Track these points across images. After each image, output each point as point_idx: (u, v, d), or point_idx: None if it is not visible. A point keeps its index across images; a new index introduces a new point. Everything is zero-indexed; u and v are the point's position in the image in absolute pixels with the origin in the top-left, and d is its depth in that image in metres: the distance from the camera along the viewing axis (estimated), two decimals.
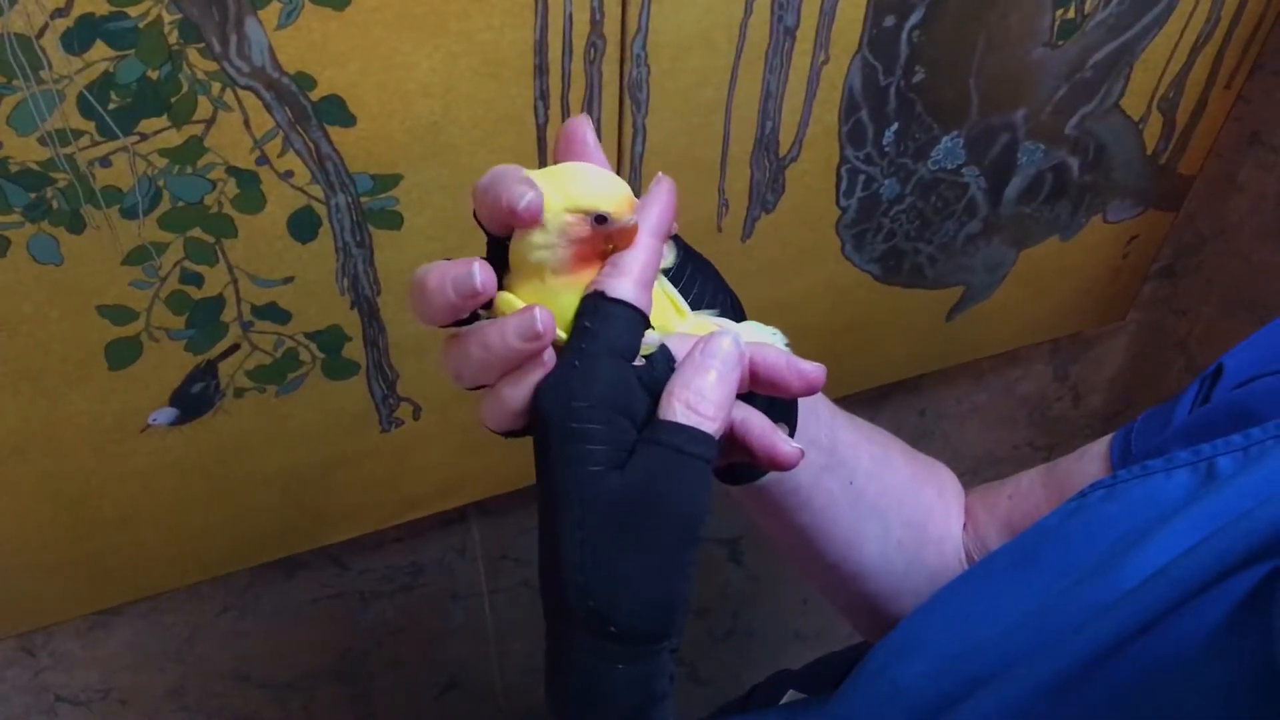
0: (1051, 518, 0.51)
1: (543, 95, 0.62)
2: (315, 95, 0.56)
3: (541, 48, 0.60)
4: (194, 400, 0.67)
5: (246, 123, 0.56)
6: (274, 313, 0.65)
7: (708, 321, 0.44)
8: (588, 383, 0.38)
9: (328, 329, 0.67)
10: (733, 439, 0.43)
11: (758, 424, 0.43)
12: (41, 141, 0.52)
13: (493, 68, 0.59)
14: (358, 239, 0.64)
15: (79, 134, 0.53)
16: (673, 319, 0.43)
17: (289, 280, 0.64)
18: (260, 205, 0.60)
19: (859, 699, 0.52)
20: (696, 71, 0.65)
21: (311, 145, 0.58)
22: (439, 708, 1.12)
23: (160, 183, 0.56)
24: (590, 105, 0.63)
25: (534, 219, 0.38)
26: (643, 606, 0.39)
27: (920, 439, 1.13)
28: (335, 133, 0.58)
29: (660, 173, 0.42)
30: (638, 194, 0.41)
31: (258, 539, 0.79)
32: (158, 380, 0.65)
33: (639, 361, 0.40)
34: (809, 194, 0.76)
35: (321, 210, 0.61)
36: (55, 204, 0.55)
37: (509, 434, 0.41)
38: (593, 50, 0.61)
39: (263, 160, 0.58)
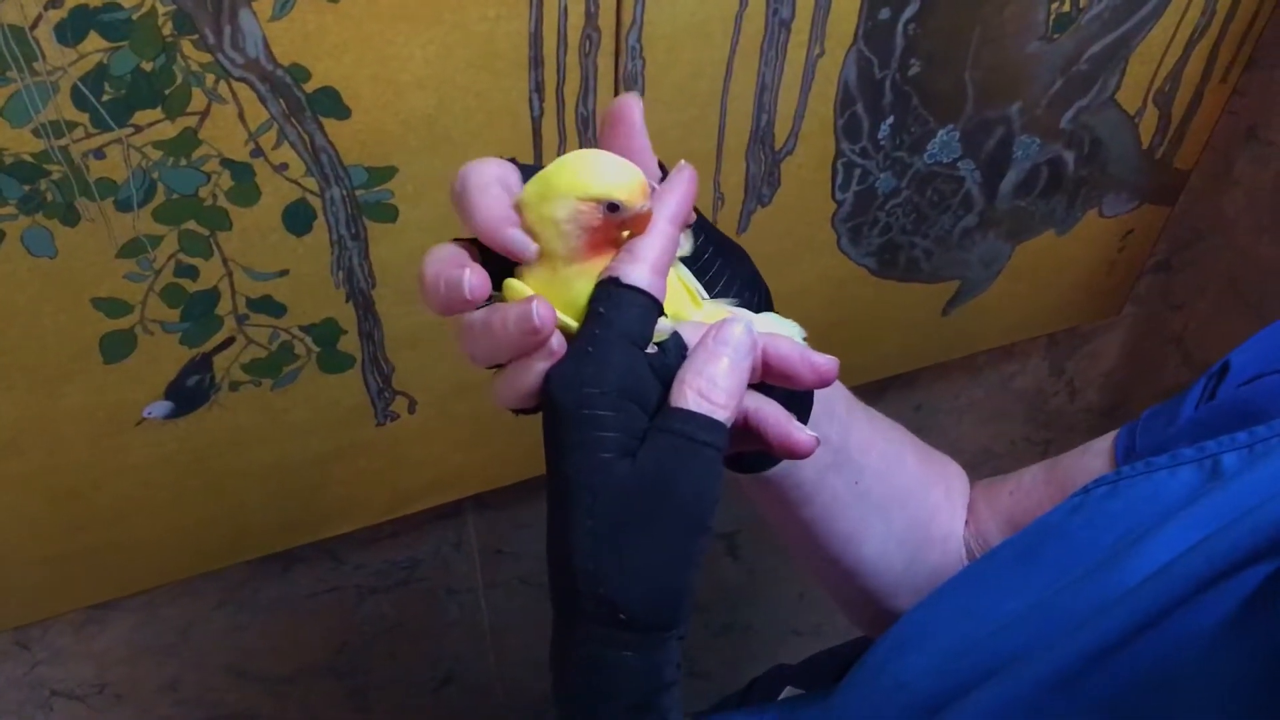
0: (1054, 514, 0.51)
1: (538, 88, 0.62)
2: (309, 87, 0.56)
3: (536, 40, 0.59)
4: (189, 394, 0.67)
5: (241, 115, 0.56)
6: (269, 306, 0.65)
7: (723, 310, 0.44)
8: (600, 369, 0.38)
9: (323, 322, 0.67)
10: (746, 427, 0.43)
11: (772, 412, 0.43)
12: (35, 133, 0.52)
13: (487, 60, 0.59)
14: (353, 232, 0.64)
15: (73, 126, 0.53)
16: (687, 307, 0.43)
17: (284, 273, 0.64)
18: (255, 198, 0.60)
19: (860, 695, 0.52)
20: (691, 64, 0.65)
21: (306, 138, 0.58)
22: (435, 702, 1.12)
23: (154, 175, 0.56)
24: (585, 98, 0.63)
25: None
26: (653, 594, 0.38)
27: (917, 433, 1.13)
28: (330, 125, 0.58)
29: (682, 160, 0.42)
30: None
31: (253, 533, 0.79)
32: (152, 373, 0.65)
33: (651, 349, 0.40)
34: (805, 188, 0.76)
35: (316, 203, 0.61)
36: (49, 196, 0.55)
37: (519, 412, 0.41)
38: (588, 43, 0.61)
39: (257, 153, 0.58)
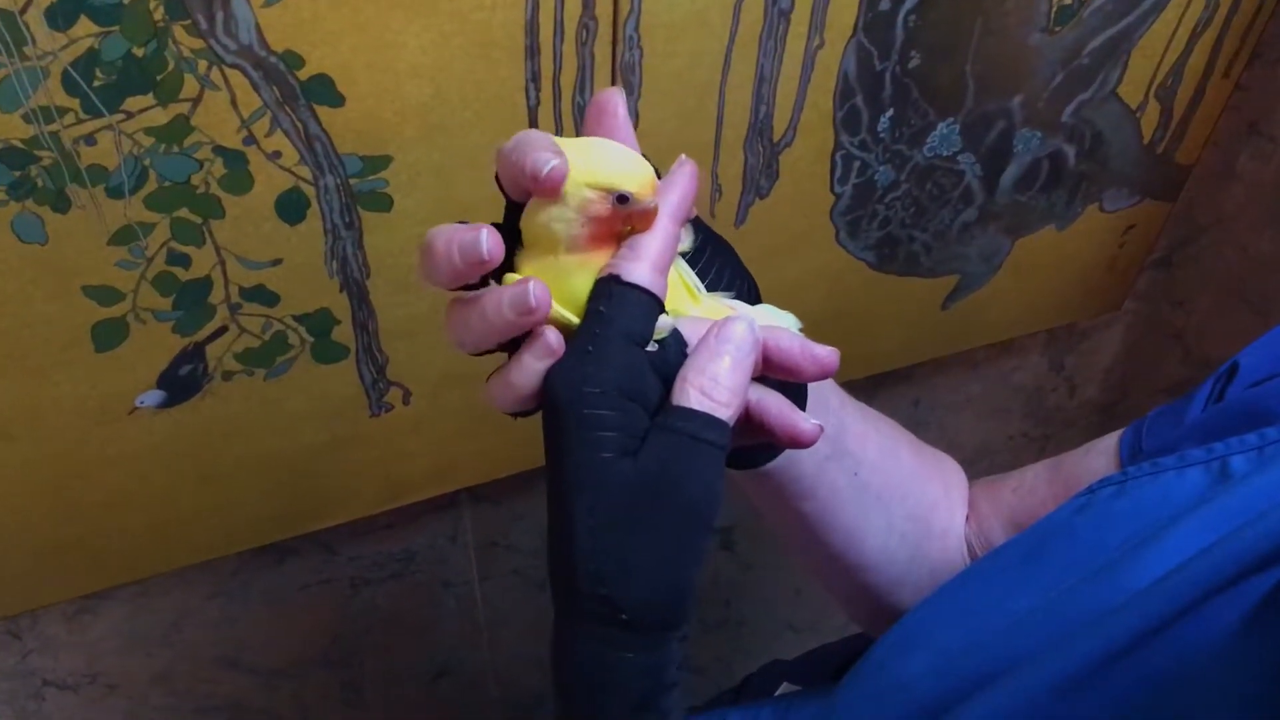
0: (1059, 513, 0.51)
1: (534, 77, 0.61)
2: (303, 74, 0.56)
3: (533, 28, 0.59)
4: (182, 383, 0.67)
5: (234, 101, 0.55)
6: (262, 295, 0.65)
7: (722, 305, 0.43)
8: (601, 369, 0.37)
9: (317, 312, 0.67)
10: (749, 420, 0.43)
11: (775, 403, 0.43)
12: (25, 119, 0.52)
13: (484, 49, 0.59)
14: (347, 221, 0.63)
15: (63, 111, 0.52)
16: (686, 302, 0.42)
17: (277, 262, 0.63)
18: (248, 186, 0.59)
19: (861, 694, 0.52)
20: (690, 54, 0.64)
21: (300, 125, 0.58)
22: (430, 695, 1.11)
23: (146, 162, 0.56)
24: (582, 88, 0.62)
25: (555, 188, 0.37)
26: (655, 594, 0.38)
27: (915, 428, 1.12)
28: (324, 113, 0.58)
29: (683, 155, 0.41)
30: None
31: (246, 524, 0.78)
32: (145, 362, 0.65)
33: (652, 346, 0.39)
34: (803, 180, 0.75)
35: (310, 191, 0.61)
36: (40, 182, 0.54)
37: (516, 415, 0.41)
38: (585, 32, 0.60)
39: (250, 140, 0.57)
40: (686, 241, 0.43)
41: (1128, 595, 0.41)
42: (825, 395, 0.51)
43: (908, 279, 0.88)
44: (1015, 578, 0.49)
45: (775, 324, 0.43)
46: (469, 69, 0.59)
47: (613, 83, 0.63)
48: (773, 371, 0.42)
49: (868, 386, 1.04)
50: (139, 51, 0.52)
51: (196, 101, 0.55)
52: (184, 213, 0.59)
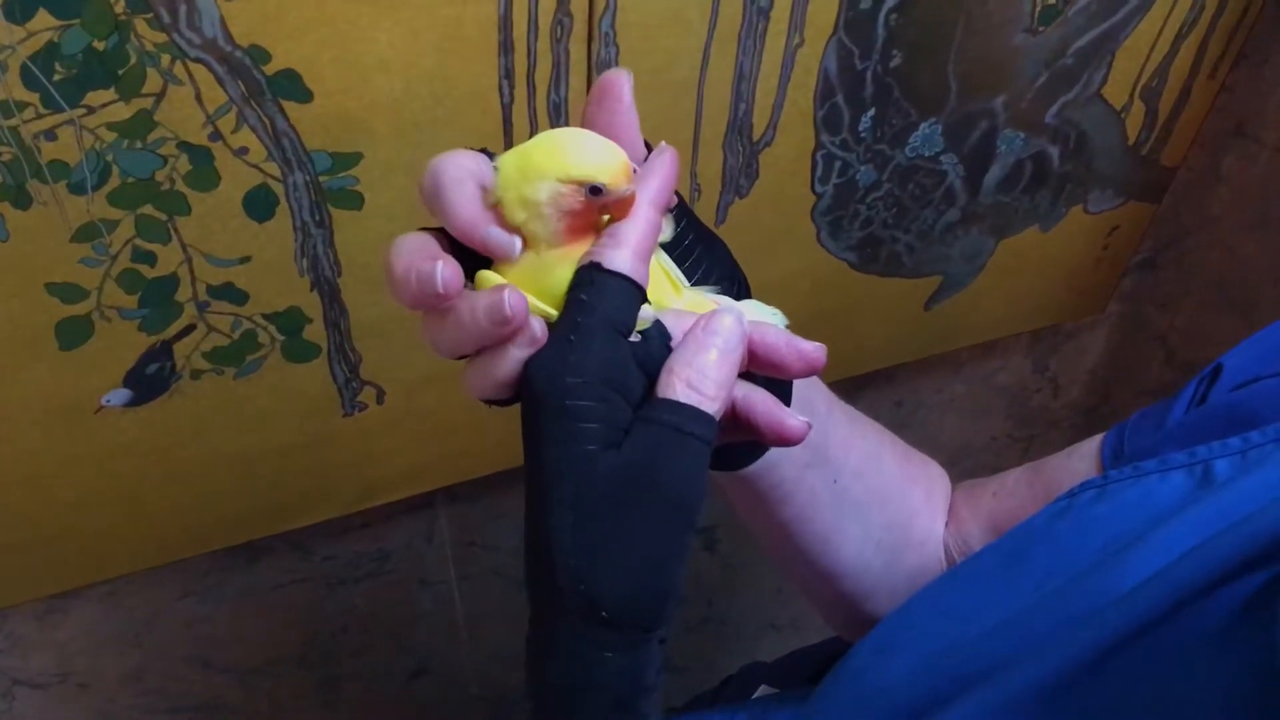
0: (1040, 517, 0.50)
1: (507, 74, 0.60)
2: (270, 69, 0.55)
3: (506, 24, 0.58)
4: (149, 381, 0.66)
5: (198, 97, 0.54)
6: (231, 293, 0.63)
7: (705, 298, 0.42)
8: (583, 358, 0.36)
9: (287, 310, 0.66)
10: (734, 418, 0.42)
11: (761, 399, 0.42)
12: None
13: (455, 44, 0.57)
14: (317, 219, 0.62)
15: (23, 106, 0.51)
16: (669, 294, 0.41)
17: (246, 260, 0.62)
18: (214, 182, 0.58)
19: (840, 697, 0.51)
20: (667, 52, 0.63)
21: (267, 121, 0.57)
22: (407, 694, 1.10)
23: (109, 157, 0.55)
24: (557, 84, 0.61)
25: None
26: (636, 591, 0.37)
27: (897, 429, 1.11)
28: (291, 108, 0.57)
29: (663, 141, 0.40)
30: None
31: (218, 524, 0.77)
32: (111, 361, 0.63)
33: (634, 337, 0.38)
34: (784, 179, 0.74)
35: (278, 188, 0.60)
36: (0, 178, 0.53)
37: (494, 403, 0.40)
38: (559, 28, 0.59)
39: (215, 136, 0.56)
40: (667, 231, 0.42)
41: (1110, 599, 0.40)
42: (812, 398, 0.50)
43: (890, 279, 0.87)
44: (996, 582, 0.49)
45: (761, 319, 0.42)
46: (440, 64, 0.58)
47: (588, 81, 0.62)
48: (758, 367, 0.41)
49: (850, 387, 1.03)
50: (100, 45, 0.51)
51: (160, 96, 0.53)
52: (149, 209, 0.58)
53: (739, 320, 0.39)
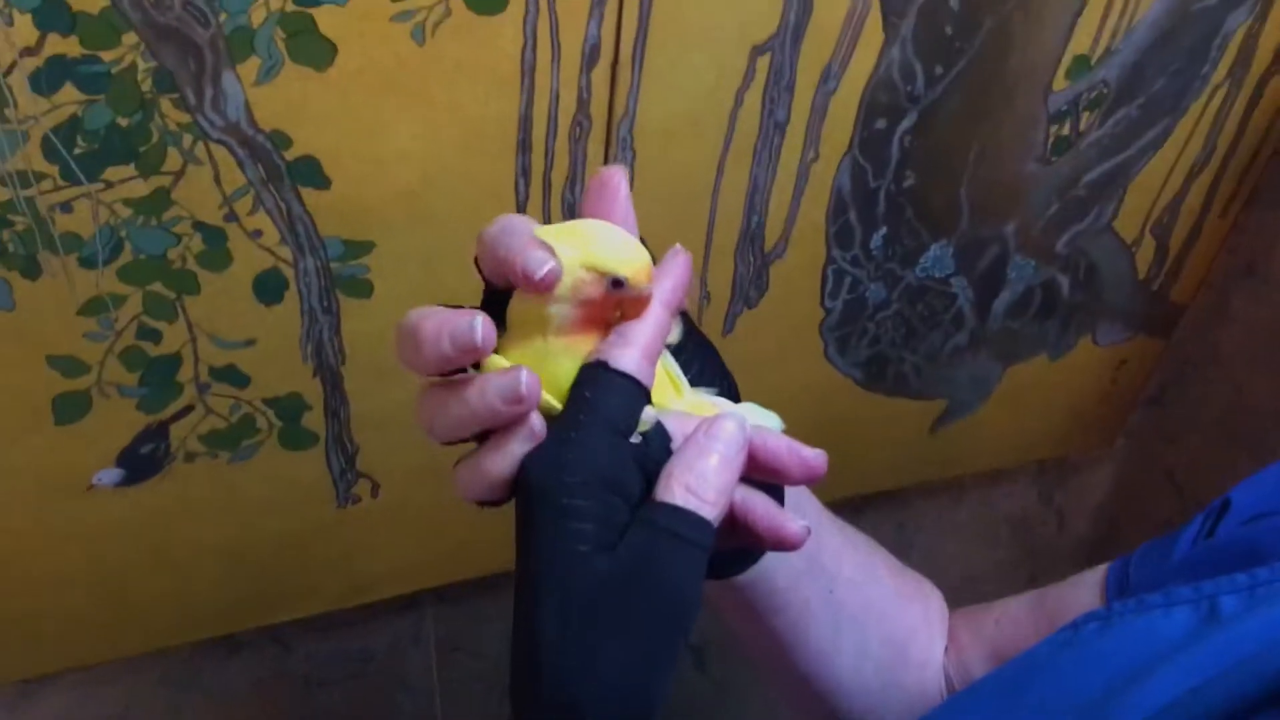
0: (1042, 647, 0.49)
1: (524, 172, 0.61)
2: (290, 155, 0.55)
3: (526, 123, 0.59)
4: (142, 462, 0.65)
5: (217, 178, 0.55)
6: (233, 375, 0.63)
7: (706, 401, 0.42)
8: (582, 456, 0.36)
9: (287, 396, 0.65)
10: (732, 521, 0.41)
11: (761, 502, 0.41)
12: (1, 181, 0.51)
13: (475, 140, 0.58)
14: (325, 305, 0.62)
15: (41, 177, 0.52)
16: (670, 396, 0.41)
17: (250, 343, 0.62)
18: (226, 263, 0.58)
19: None
20: (683, 160, 0.64)
21: (283, 206, 0.57)
22: None
23: (123, 233, 0.55)
24: (573, 185, 0.62)
25: (550, 288, 0.36)
26: (623, 701, 0.36)
27: (898, 554, 1.09)
28: (308, 194, 0.57)
29: (678, 244, 0.40)
30: None
31: (200, 613, 0.75)
32: (106, 438, 0.63)
33: (635, 438, 0.38)
34: (793, 293, 0.74)
35: (289, 273, 0.60)
36: (11, 247, 0.53)
37: (484, 504, 0.39)
38: (578, 129, 0.60)
39: (231, 217, 0.56)
40: (675, 333, 0.41)
41: None
42: (802, 505, 0.50)
43: (896, 399, 0.87)
44: (996, 712, 0.47)
45: (760, 423, 0.42)
46: (458, 160, 0.58)
47: None
48: (757, 472, 0.41)
49: (852, 508, 1.02)
50: (124, 122, 0.51)
51: (179, 175, 0.54)
52: (158, 287, 0.58)
53: (741, 426, 0.38)
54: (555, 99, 0.58)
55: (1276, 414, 0.97)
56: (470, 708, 1.01)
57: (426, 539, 0.78)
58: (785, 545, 0.41)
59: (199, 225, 0.56)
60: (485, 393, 0.36)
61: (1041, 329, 0.87)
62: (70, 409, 0.61)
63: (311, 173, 0.56)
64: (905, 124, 0.67)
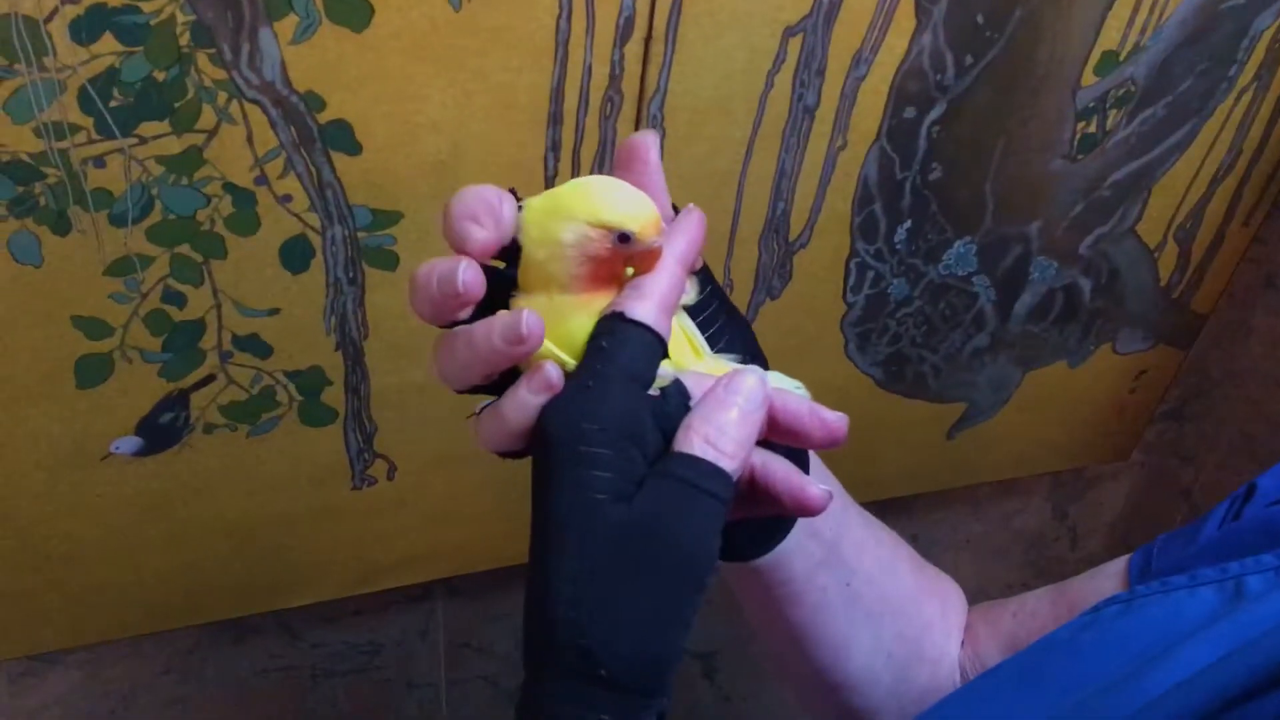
0: (1062, 631, 0.48)
1: (554, 146, 0.61)
2: (323, 118, 0.55)
3: (558, 96, 0.59)
4: (161, 431, 0.64)
5: (250, 138, 0.55)
6: (255, 345, 0.63)
7: (726, 364, 0.42)
8: (600, 405, 0.36)
9: (309, 370, 0.65)
10: (753, 487, 0.41)
11: (781, 467, 0.41)
12: (36, 133, 0.51)
13: (506, 111, 0.58)
14: (350, 276, 0.62)
15: (76, 129, 0.52)
16: (689, 357, 0.41)
17: (274, 312, 0.62)
18: (254, 227, 0.58)
19: None
20: (712, 140, 0.64)
21: (314, 170, 0.57)
22: None
23: (154, 191, 0.55)
24: (601, 162, 0.62)
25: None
26: (637, 651, 0.35)
27: None
28: (339, 160, 0.57)
29: (691, 203, 0.40)
30: None
31: (210, 594, 0.75)
32: (126, 405, 0.62)
33: (653, 392, 0.38)
34: (816, 284, 0.74)
35: (316, 241, 0.60)
36: (43, 200, 0.53)
37: (504, 454, 0.39)
38: (609, 105, 0.60)
39: (262, 180, 0.56)
40: (691, 294, 0.41)
41: (1135, 708, 0.38)
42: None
43: (914, 401, 0.86)
44: (1014, 695, 0.46)
45: (784, 387, 0.41)
46: (489, 130, 0.59)
47: None
48: (778, 435, 0.40)
49: None
50: (160, 75, 0.51)
51: (212, 134, 0.54)
52: (185, 249, 0.58)
53: (762, 381, 0.38)
54: (588, 72, 0.58)
55: None
56: (477, 707, 1.00)
57: (440, 527, 0.78)
58: (806, 509, 0.41)
59: (229, 187, 0.56)
60: (490, 334, 0.36)
61: (1062, 334, 0.87)
62: (92, 372, 0.60)
63: (343, 137, 0.56)
64: (934, 114, 0.67)
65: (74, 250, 0.55)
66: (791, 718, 1.16)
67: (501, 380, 0.38)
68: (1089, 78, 0.70)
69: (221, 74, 0.52)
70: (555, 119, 0.60)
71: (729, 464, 0.36)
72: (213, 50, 0.51)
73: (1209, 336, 0.98)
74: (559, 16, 0.56)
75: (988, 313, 0.82)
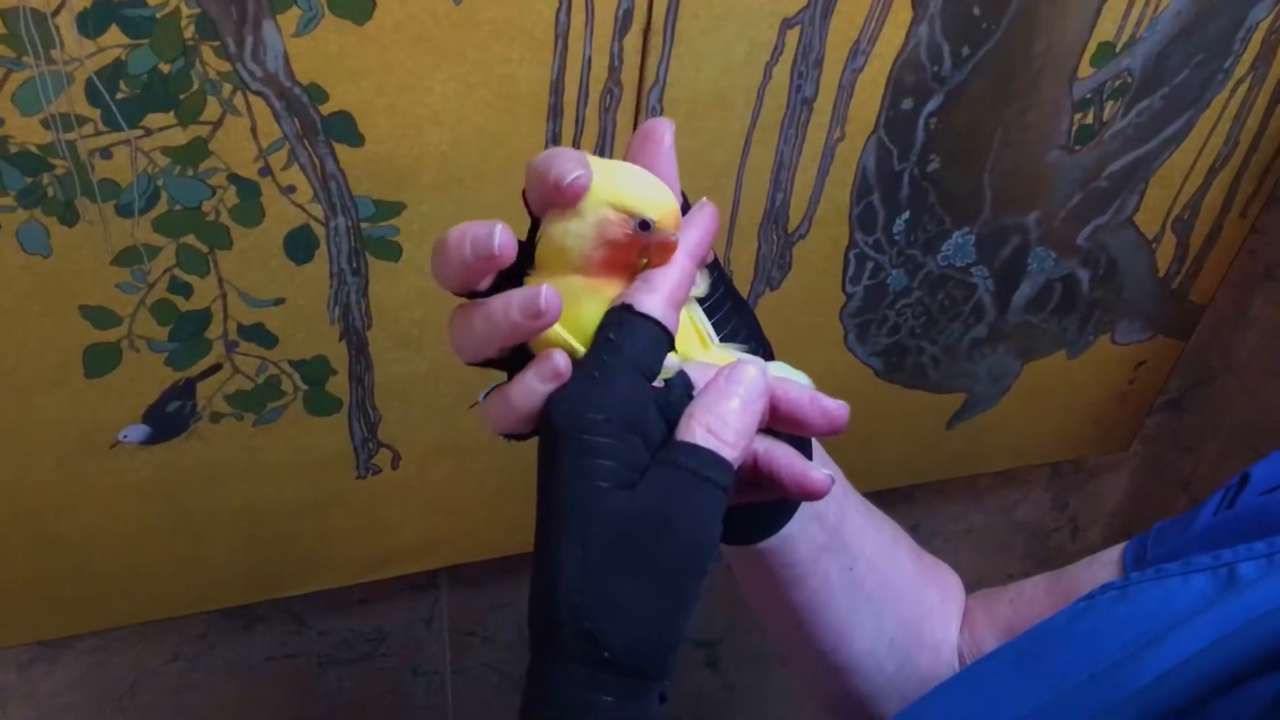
0: (1058, 617, 0.49)
1: (554, 138, 0.61)
2: (326, 109, 0.56)
3: (558, 88, 0.59)
4: (168, 420, 0.65)
5: (254, 130, 0.56)
6: (260, 335, 0.64)
7: (732, 354, 0.42)
8: (605, 395, 0.36)
9: (314, 359, 0.66)
10: (755, 473, 0.42)
11: (784, 453, 0.41)
12: (44, 124, 0.52)
13: (507, 102, 0.59)
14: (354, 266, 0.63)
15: (83, 121, 0.52)
16: (696, 348, 0.41)
17: (279, 302, 0.63)
18: (258, 218, 0.59)
19: None
20: (711, 132, 0.65)
21: (317, 162, 0.58)
22: None
23: (160, 182, 0.56)
24: (602, 153, 0.63)
25: (574, 199, 0.36)
26: (640, 635, 0.36)
27: None
28: (342, 151, 0.58)
29: (705, 198, 0.41)
30: None
31: (217, 581, 0.76)
32: (133, 394, 0.63)
33: (658, 384, 0.38)
34: (815, 275, 0.75)
35: (320, 231, 0.61)
36: (51, 191, 0.54)
37: (511, 437, 0.40)
38: (609, 97, 0.61)
39: (266, 171, 0.57)
40: (702, 286, 0.42)
41: (1130, 692, 0.38)
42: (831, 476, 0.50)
43: (914, 392, 0.87)
44: (1010, 680, 0.47)
45: (786, 377, 0.42)
46: (489, 122, 0.59)
47: None
48: (779, 423, 0.41)
49: None
50: (165, 68, 0.52)
51: (217, 125, 0.55)
52: (191, 239, 0.58)
53: (762, 372, 0.39)
54: (587, 64, 0.59)
55: None
56: (482, 694, 1.01)
57: (444, 515, 0.78)
58: (809, 493, 0.41)
59: (234, 178, 0.57)
60: (508, 307, 0.37)
61: (1061, 325, 0.87)
62: (101, 361, 0.61)
63: (346, 129, 0.57)
64: (931, 105, 0.68)
65: (82, 241, 0.56)
66: (794, 706, 1.17)
67: (514, 356, 0.39)
68: (1085, 69, 0.71)
69: (226, 66, 0.53)
70: (555, 111, 0.60)
71: (730, 453, 0.37)
72: (217, 43, 0.52)
73: (1208, 327, 0.98)
74: (558, 9, 0.56)
75: (986, 303, 0.82)
